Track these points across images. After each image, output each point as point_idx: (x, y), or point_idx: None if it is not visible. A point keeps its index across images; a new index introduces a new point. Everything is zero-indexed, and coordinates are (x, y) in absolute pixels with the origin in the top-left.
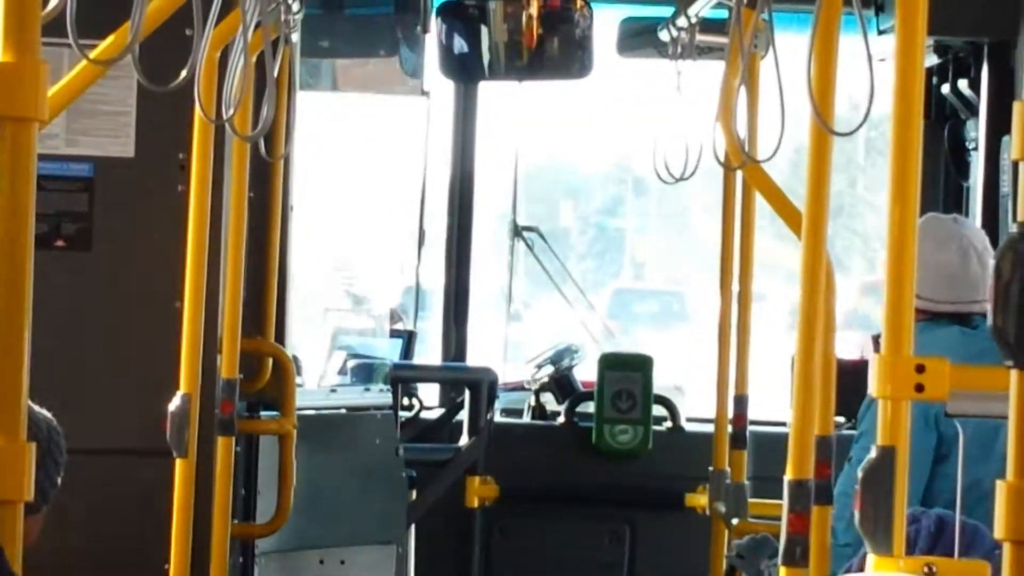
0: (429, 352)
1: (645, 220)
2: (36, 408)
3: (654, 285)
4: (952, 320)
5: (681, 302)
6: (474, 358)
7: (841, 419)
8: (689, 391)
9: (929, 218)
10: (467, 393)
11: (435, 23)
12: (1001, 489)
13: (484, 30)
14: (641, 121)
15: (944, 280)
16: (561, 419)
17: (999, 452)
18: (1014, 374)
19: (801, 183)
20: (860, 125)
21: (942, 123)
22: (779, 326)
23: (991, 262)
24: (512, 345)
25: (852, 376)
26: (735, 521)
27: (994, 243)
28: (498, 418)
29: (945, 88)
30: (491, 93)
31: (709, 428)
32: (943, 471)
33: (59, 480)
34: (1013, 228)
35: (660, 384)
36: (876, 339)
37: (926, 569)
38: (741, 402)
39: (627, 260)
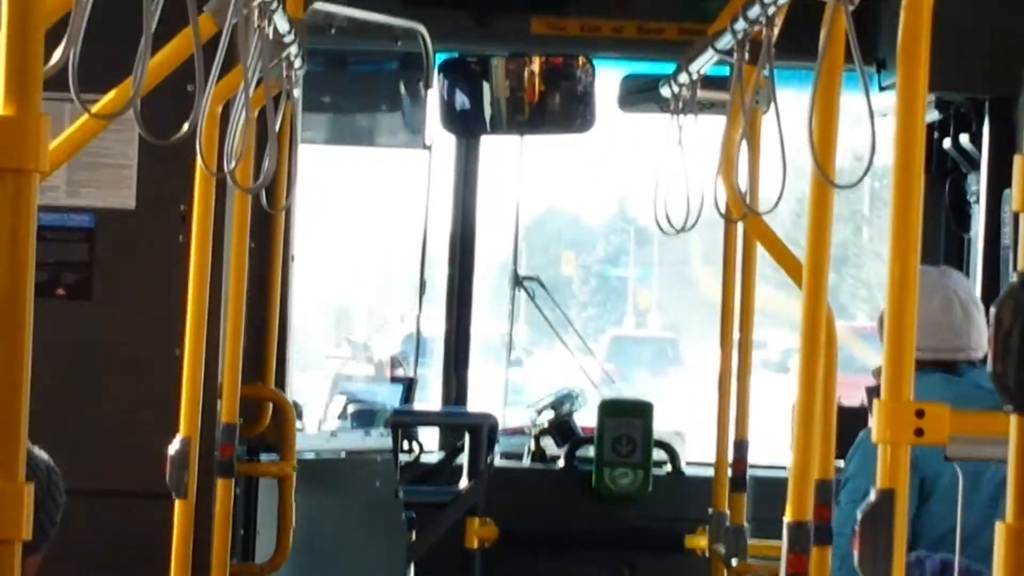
0: (429, 400)
1: (648, 270)
2: (35, 449)
3: (651, 332)
4: (936, 367)
5: (675, 348)
6: (475, 405)
7: (841, 463)
8: (690, 438)
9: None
10: (467, 437)
11: (437, 79)
12: (1000, 531)
13: (486, 86)
14: (643, 172)
15: (928, 329)
16: (561, 463)
17: (983, 495)
18: (1014, 419)
19: (804, 233)
20: (861, 179)
21: (943, 177)
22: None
23: (974, 311)
24: (513, 389)
25: (851, 421)
26: (734, 562)
27: (996, 295)
28: (498, 462)
29: (946, 143)
30: (493, 144)
31: (709, 472)
32: (926, 511)
33: (58, 520)
34: (1013, 277)
35: (661, 430)
36: (870, 391)
37: None
38: (741, 447)
39: (629, 308)
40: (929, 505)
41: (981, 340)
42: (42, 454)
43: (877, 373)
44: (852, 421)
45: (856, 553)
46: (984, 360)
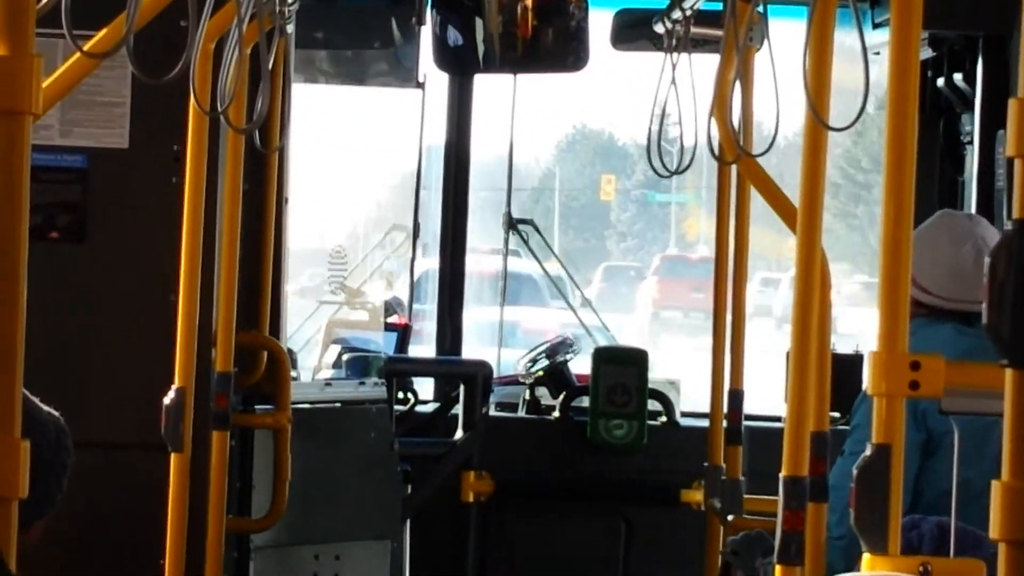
0: (425, 343)
1: (696, 193)
2: (44, 408)
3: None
4: (951, 318)
5: (641, 274)
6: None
7: (836, 414)
8: (684, 386)
9: (944, 215)
10: (462, 387)
11: (430, 15)
12: (996, 489)
13: (479, 22)
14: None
15: (954, 278)
16: (556, 414)
17: (991, 451)
18: (1009, 372)
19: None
20: (855, 120)
21: (937, 117)
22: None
23: None
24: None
25: (847, 371)
26: (730, 517)
27: None
28: (493, 412)
29: (940, 82)
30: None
31: (704, 423)
32: (930, 467)
33: (65, 484)
34: (1008, 226)
35: (655, 379)
36: None
37: (921, 568)
38: (736, 397)
39: (672, 238)
40: (934, 460)
41: None
42: (51, 412)
43: None
44: (848, 370)
45: (852, 510)
46: None
